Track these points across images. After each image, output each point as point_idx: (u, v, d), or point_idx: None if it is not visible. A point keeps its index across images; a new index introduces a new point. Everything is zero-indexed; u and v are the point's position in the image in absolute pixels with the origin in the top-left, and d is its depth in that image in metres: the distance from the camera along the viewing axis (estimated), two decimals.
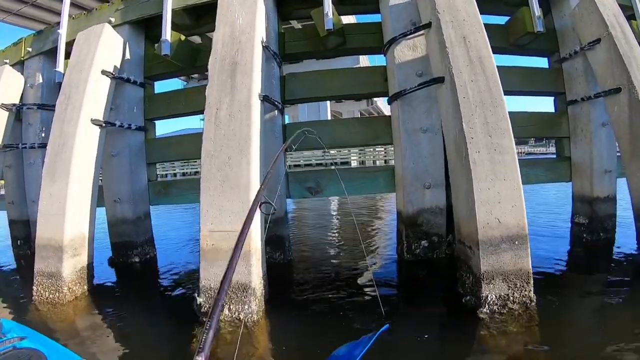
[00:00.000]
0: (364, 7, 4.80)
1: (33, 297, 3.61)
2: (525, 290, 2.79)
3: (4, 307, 3.70)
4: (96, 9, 5.15)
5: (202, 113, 3.47)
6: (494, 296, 2.78)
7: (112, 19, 4.76)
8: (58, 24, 5.18)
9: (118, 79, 4.52)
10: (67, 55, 4.70)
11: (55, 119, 4.08)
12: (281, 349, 2.57)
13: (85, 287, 3.83)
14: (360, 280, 3.85)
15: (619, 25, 4.07)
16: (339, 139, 4.82)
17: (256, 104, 3.34)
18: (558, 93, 4.96)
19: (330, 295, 3.48)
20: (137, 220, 4.90)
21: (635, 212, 4.05)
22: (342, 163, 18.05)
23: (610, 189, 4.63)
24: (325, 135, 4.17)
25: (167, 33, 4.31)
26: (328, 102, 20.32)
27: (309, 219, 8.80)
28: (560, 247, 4.61)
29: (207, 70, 3.54)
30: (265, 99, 3.61)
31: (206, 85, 3.50)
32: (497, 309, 2.76)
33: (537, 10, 4.25)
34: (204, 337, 1.13)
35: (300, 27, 9.92)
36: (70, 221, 3.74)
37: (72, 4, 5.44)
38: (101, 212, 4.61)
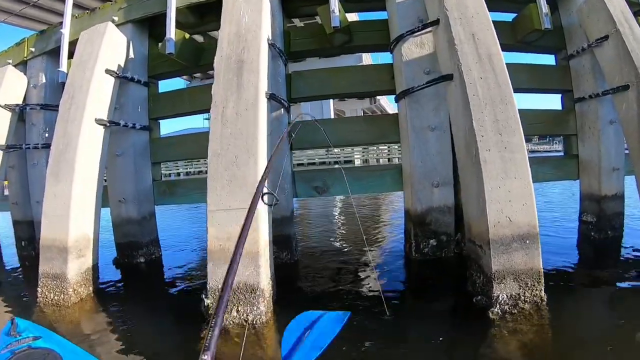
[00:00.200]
0: (370, 4, 4.77)
1: (38, 299, 3.59)
2: (536, 290, 2.77)
3: (9, 309, 3.67)
4: (99, 7, 5.11)
5: (207, 112, 3.44)
6: (505, 296, 2.76)
7: (116, 18, 4.72)
8: (61, 23, 5.15)
9: (122, 78, 4.49)
10: (70, 55, 4.67)
11: (59, 119, 4.05)
12: None
13: (91, 288, 3.81)
14: (367, 280, 3.82)
15: (626, 22, 4.03)
16: (344, 138, 4.79)
17: (263, 102, 3.31)
18: (565, 90, 4.92)
19: (337, 296, 3.46)
20: (142, 221, 4.88)
21: None
22: (345, 162, 18.02)
23: (618, 186, 4.59)
24: (330, 133, 4.15)
25: (172, 31, 4.28)
26: (331, 100, 20.28)
27: (312, 217, 8.78)
28: (568, 246, 4.58)
29: (210, 69, 3.51)
30: (272, 97, 3.58)
31: (210, 84, 3.47)
32: (508, 308, 2.73)
33: (544, 7, 4.21)
34: (209, 335, 1.10)
35: (303, 25, 9.89)
36: (75, 222, 3.71)
37: (75, 5, 5.40)
38: (106, 212, 4.59)
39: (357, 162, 18.97)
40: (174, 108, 5.18)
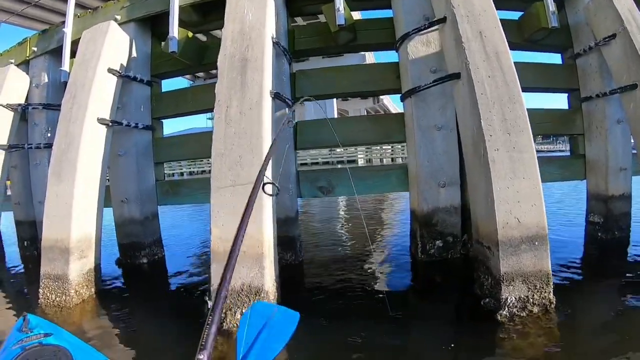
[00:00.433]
0: (375, 2, 4.73)
1: (39, 300, 3.54)
2: (545, 292, 2.72)
3: (10, 311, 3.63)
4: (101, 6, 5.08)
5: (210, 111, 3.41)
6: (513, 298, 2.71)
7: (118, 17, 4.69)
8: (63, 23, 5.12)
9: (124, 77, 4.46)
10: (73, 54, 4.65)
11: (61, 119, 4.01)
12: (292, 351, 2.50)
13: (93, 289, 3.77)
14: (373, 281, 3.78)
15: (634, 20, 3.97)
16: (349, 137, 4.74)
17: (267, 101, 3.27)
18: (572, 89, 4.86)
19: (342, 297, 3.41)
20: (145, 221, 4.84)
21: None
22: (349, 161, 17.97)
23: (626, 186, 4.53)
24: (334, 133, 4.10)
25: (175, 30, 4.24)
26: (335, 100, 20.23)
27: (316, 217, 8.73)
28: (575, 247, 4.53)
29: (214, 68, 3.47)
30: (276, 96, 3.53)
31: (213, 83, 3.43)
32: (517, 311, 2.69)
33: (551, 6, 4.16)
34: (205, 334, 1.01)
35: (305, 24, 9.85)
36: (77, 222, 3.67)
37: (77, 4, 5.38)
38: (108, 212, 4.55)
39: (361, 162, 18.94)
40: (177, 107, 5.14)
